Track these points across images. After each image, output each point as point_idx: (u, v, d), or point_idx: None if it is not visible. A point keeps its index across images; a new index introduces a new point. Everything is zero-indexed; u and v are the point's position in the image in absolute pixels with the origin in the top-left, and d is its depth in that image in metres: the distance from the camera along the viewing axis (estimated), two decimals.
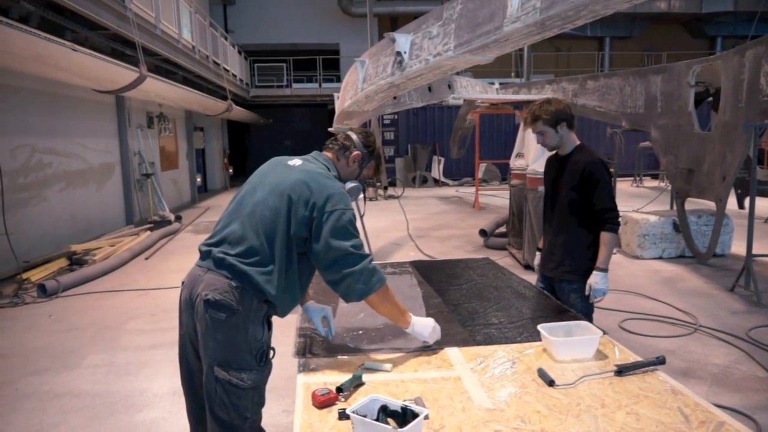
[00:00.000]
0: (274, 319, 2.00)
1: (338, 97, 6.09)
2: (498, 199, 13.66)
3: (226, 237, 1.97)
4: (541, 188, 6.24)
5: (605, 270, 2.69)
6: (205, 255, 1.98)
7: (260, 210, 1.95)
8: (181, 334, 2.03)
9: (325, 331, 2.19)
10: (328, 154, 2.19)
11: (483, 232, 8.31)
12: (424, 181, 18.05)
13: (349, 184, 2.17)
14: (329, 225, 1.90)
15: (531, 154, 6.67)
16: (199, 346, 1.92)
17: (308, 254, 1.95)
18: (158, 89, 9.30)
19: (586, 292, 2.72)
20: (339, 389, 1.76)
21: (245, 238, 1.92)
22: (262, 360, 1.91)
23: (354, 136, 2.20)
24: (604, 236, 2.70)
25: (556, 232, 2.88)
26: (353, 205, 2.08)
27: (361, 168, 2.22)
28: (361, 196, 2.36)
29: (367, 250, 1.98)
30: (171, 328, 4.82)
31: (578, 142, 2.83)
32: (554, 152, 2.93)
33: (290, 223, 1.92)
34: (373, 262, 1.96)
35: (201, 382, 1.93)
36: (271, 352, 1.95)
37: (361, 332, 2.30)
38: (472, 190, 14.29)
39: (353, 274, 1.90)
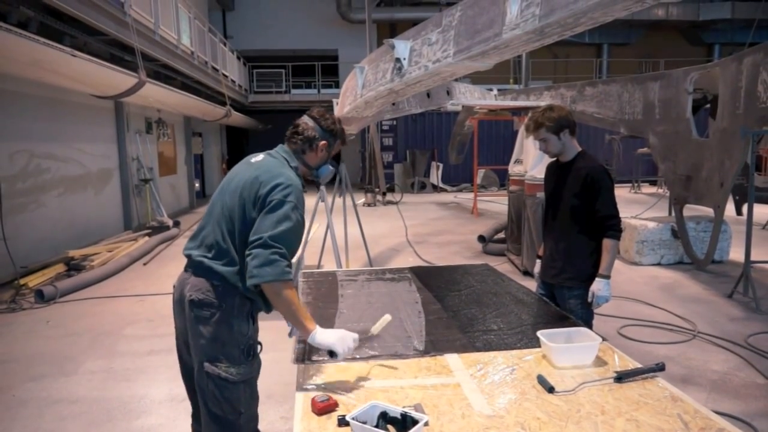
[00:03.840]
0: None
1: (337, 103, 6.10)
2: (496, 205, 13.67)
3: (202, 240, 2.08)
4: (540, 194, 6.34)
5: (608, 277, 2.70)
6: (188, 258, 2.10)
7: (224, 211, 2.04)
8: (177, 335, 2.15)
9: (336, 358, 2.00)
10: (293, 147, 2.19)
11: (481, 238, 8.32)
12: (422, 187, 18.08)
13: (323, 170, 2.22)
14: (266, 210, 1.95)
15: (529, 161, 6.68)
16: (190, 345, 2.03)
17: None
18: (157, 95, 9.31)
19: (589, 299, 2.73)
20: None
21: (216, 240, 2.03)
22: (249, 354, 1.99)
23: (311, 123, 2.20)
24: (607, 243, 2.70)
25: (558, 239, 2.88)
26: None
27: (329, 151, 2.24)
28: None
29: (291, 259, 1.96)
30: (169, 333, 4.74)
31: (580, 149, 2.84)
32: (555, 159, 2.94)
33: (245, 222, 1.98)
34: (279, 257, 1.89)
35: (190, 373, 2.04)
36: (259, 347, 2.04)
37: (361, 338, 2.29)
38: (471, 195, 14.32)
39: (249, 255, 1.91)
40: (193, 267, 2.05)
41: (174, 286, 2.13)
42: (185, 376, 2.17)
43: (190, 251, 2.09)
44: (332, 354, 1.96)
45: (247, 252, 1.93)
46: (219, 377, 1.95)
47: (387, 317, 2.23)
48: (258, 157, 2.18)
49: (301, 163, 2.18)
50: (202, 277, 2.01)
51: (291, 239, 1.95)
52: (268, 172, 2.04)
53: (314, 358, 2.10)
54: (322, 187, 5.54)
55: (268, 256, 1.89)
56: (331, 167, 2.25)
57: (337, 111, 5.98)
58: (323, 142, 2.20)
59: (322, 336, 1.97)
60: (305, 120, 2.22)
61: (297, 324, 1.98)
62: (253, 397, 2.03)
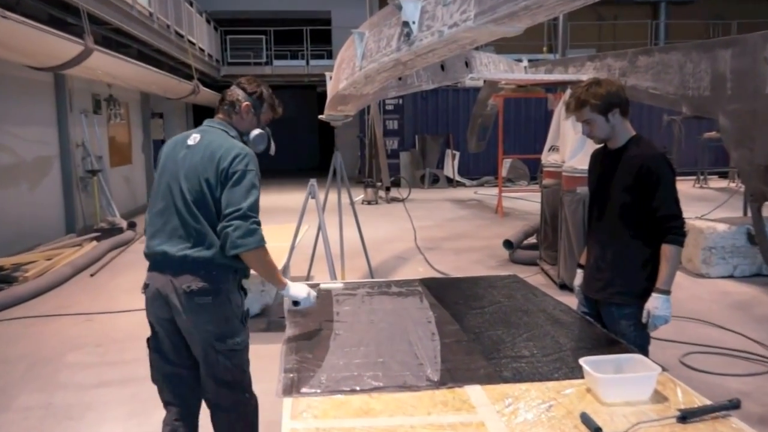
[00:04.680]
0: (254, 353, 2.71)
1: (331, 78, 6.10)
2: (527, 203, 13.66)
3: (172, 233, 2.57)
4: (582, 189, 6.35)
5: (668, 292, 2.70)
6: (160, 257, 2.58)
7: (189, 196, 2.55)
8: (158, 334, 2.66)
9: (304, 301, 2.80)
10: (221, 116, 2.78)
11: (508, 244, 8.32)
12: (434, 181, 18.09)
13: (253, 134, 2.77)
14: (230, 183, 2.52)
15: (568, 147, 6.68)
16: (189, 334, 2.58)
17: None
18: (107, 66, 9.34)
19: (643, 319, 2.73)
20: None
21: (193, 227, 2.54)
22: (244, 320, 2.67)
23: (237, 90, 2.78)
24: (667, 250, 2.70)
25: (605, 244, 2.89)
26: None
27: (257, 116, 2.80)
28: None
29: (257, 215, 2.55)
30: (122, 361, 4.83)
31: (633, 133, 2.84)
32: (601, 145, 2.95)
33: (215, 200, 2.54)
34: (257, 225, 2.52)
35: (184, 370, 2.67)
36: (249, 314, 2.74)
37: (361, 365, 2.32)
38: (495, 191, 14.30)
39: (230, 227, 2.47)
40: (176, 264, 2.54)
41: (146, 285, 2.63)
42: (169, 379, 2.71)
43: (164, 247, 2.56)
44: (296, 303, 2.78)
45: (225, 224, 2.48)
46: (229, 350, 2.58)
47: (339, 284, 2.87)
48: (195, 137, 2.67)
49: (236, 131, 2.73)
50: (190, 272, 2.52)
51: (258, 207, 2.56)
52: (221, 146, 2.59)
53: (304, 390, 2.11)
54: (313, 182, 5.57)
55: (249, 227, 2.48)
56: (261, 130, 2.79)
57: (331, 87, 5.99)
58: (246, 103, 2.75)
59: (295, 288, 2.77)
60: (231, 88, 2.80)
61: (274, 281, 2.71)
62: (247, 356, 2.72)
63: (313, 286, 2.97)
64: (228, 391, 2.64)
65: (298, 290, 2.76)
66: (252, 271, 2.68)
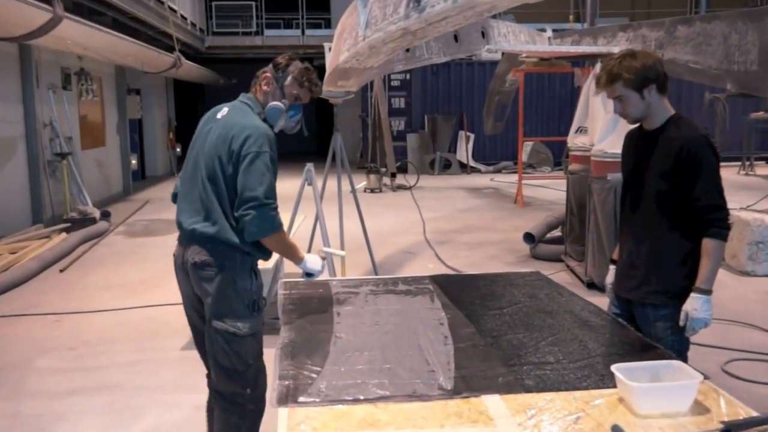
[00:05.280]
0: None
1: (330, 49, 6.10)
2: (550, 191, 13.65)
3: (192, 204, 2.89)
4: (614, 176, 6.32)
5: (709, 292, 2.69)
6: (179, 227, 2.95)
7: (205, 172, 2.84)
8: (184, 302, 3.02)
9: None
10: (251, 91, 3.05)
11: (529, 237, 8.32)
12: (446, 167, 18.08)
13: (268, 106, 2.94)
14: (243, 167, 2.76)
15: (598, 129, 6.66)
16: (204, 307, 2.87)
17: None
18: (78, 35, 9.33)
19: (681, 322, 2.73)
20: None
21: (203, 203, 2.84)
22: (254, 309, 2.87)
23: (269, 65, 3.02)
24: (708, 245, 2.70)
25: (639, 238, 2.89)
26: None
27: (279, 87, 2.98)
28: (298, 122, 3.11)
29: (274, 199, 2.82)
30: (97, 366, 4.86)
31: (672, 112, 2.83)
32: (636, 125, 2.94)
33: (225, 180, 2.80)
34: (274, 211, 2.80)
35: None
36: (263, 302, 2.97)
37: (365, 372, 2.32)
38: (514, 179, 14.30)
39: (248, 216, 2.74)
40: (188, 235, 2.88)
41: (174, 255, 2.99)
42: (196, 340, 3.06)
43: (182, 218, 2.92)
44: (309, 275, 3.12)
45: (242, 212, 2.74)
46: (227, 332, 2.80)
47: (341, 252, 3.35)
48: (224, 111, 2.97)
49: (260, 105, 2.97)
50: (197, 244, 2.83)
51: (275, 187, 2.82)
52: (236, 125, 2.83)
53: (302, 399, 2.11)
54: (309, 167, 5.57)
55: (267, 213, 2.75)
56: (277, 103, 2.94)
57: (330, 60, 5.98)
58: (267, 74, 2.99)
59: (311, 260, 3.09)
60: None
61: (294, 258, 3.02)
62: (261, 351, 2.94)
63: (314, 287, 3.31)
64: (225, 378, 2.86)
65: (314, 262, 3.09)
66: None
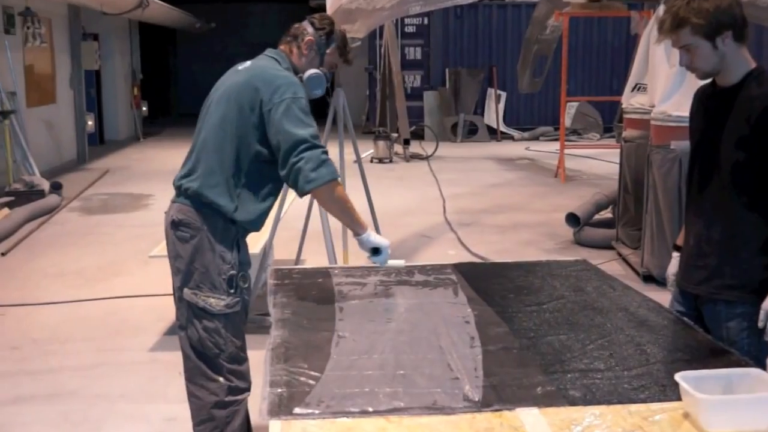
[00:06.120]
0: None
1: None
2: (599, 163, 13.67)
3: (188, 156, 3.08)
4: (679, 144, 6.28)
5: None
6: (176, 189, 3.08)
7: (216, 118, 2.99)
8: (170, 263, 3.10)
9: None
10: (282, 47, 3.21)
11: (573, 219, 8.34)
12: (471, 132, 18.08)
13: (307, 74, 3.13)
14: (278, 116, 2.87)
15: (660, 86, 6.63)
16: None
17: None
18: None
19: (760, 323, 2.70)
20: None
21: (197, 155, 3.01)
22: (231, 285, 2.96)
23: (305, 24, 3.19)
24: None
25: (710, 220, 2.87)
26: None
27: (320, 54, 3.18)
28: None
29: (323, 143, 2.96)
30: (47, 370, 4.86)
31: (753, 65, 2.79)
32: (709, 82, 2.91)
33: (238, 129, 2.94)
34: (327, 155, 2.92)
35: None
36: (244, 282, 3.04)
37: (374, 378, 2.32)
38: (555, 147, 14.28)
39: (301, 160, 2.84)
40: (178, 193, 3.03)
41: (165, 213, 3.12)
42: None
43: (181, 181, 3.02)
44: (376, 252, 3.11)
45: (294, 158, 2.83)
46: (196, 306, 2.91)
47: (401, 262, 3.27)
48: (246, 64, 3.16)
49: (291, 66, 3.11)
50: (179, 201, 3.00)
51: (315, 133, 2.94)
52: (261, 74, 3.00)
53: (298, 410, 2.10)
54: None
55: (320, 156, 2.88)
56: (318, 71, 3.14)
57: (332, 0, 5.94)
58: (309, 38, 3.15)
59: (376, 235, 3.13)
60: (301, 23, 3.20)
61: (351, 222, 3.07)
62: (237, 337, 3.01)
63: (311, 276, 3.37)
64: (193, 358, 2.97)
65: (380, 238, 3.15)
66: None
